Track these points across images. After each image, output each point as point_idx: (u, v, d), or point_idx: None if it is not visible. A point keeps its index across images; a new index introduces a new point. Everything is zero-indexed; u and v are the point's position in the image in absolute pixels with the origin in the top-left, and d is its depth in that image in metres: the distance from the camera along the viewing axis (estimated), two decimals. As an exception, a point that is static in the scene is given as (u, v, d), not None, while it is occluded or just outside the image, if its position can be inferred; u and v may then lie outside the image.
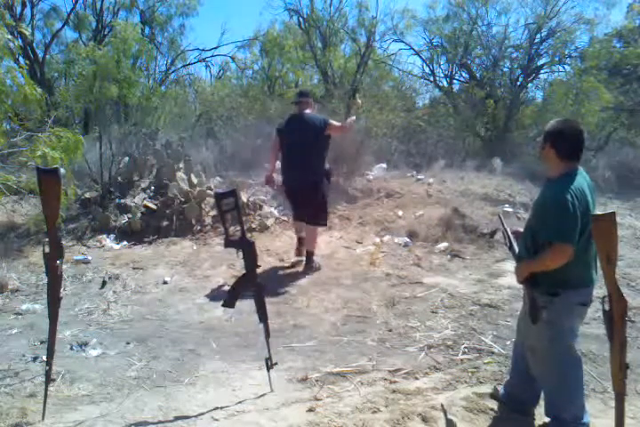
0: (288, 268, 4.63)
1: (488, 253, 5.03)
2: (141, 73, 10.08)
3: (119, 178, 6.34)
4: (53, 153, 3.97)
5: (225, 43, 18.93)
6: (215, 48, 14.35)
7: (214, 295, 4.00)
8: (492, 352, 3.00)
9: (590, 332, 3.17)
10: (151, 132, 7.54)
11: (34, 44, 10.59)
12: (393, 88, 11.93)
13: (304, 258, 4.61)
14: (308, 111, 4.40)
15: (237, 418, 2.34)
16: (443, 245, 5.11)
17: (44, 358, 2.37)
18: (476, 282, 4.28)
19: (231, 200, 2.41)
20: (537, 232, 2.09)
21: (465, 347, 3.06)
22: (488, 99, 10.52)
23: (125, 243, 5.35)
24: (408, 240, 5.24)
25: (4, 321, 3.55)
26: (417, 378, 2.71)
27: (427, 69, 12.32)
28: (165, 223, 5.56)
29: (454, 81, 12.58)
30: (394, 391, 2.55)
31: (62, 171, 2.20)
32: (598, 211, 1.89)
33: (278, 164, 4.69)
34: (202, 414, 2.37)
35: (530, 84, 11.36)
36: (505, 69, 11.41)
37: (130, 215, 5.59)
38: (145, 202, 5.78)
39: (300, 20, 12.27)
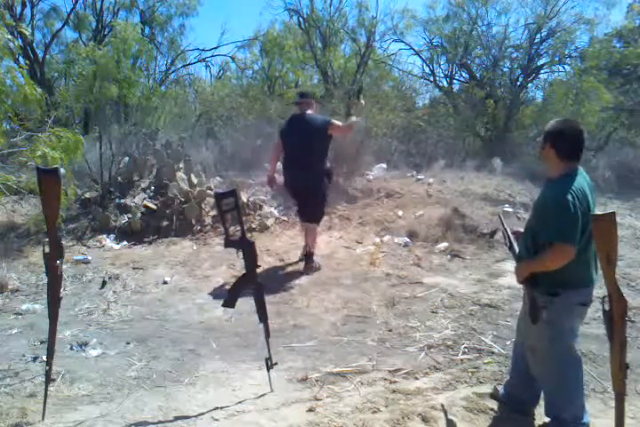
0: (288, 267, 4.63)
1: (488, 253, 5.03)
2: (141, 73, 10.07)
3: (119, 178, 6.35)
4: (53, 153, 3.97)
5: (225, 43, 18.93)
6: (215, 48, 14.37)
7: (214, 295, 4.00)
8: (492, 352, 3.00)
9: (590, 332, 3.17)
10: (151, 132, 7.54)
11: (34, 44, 10.60)
12: (393, 88, 11.94)
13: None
14: (309, 112, 4.42)
15: (237, 418, 2.34)
16: (443, 245, 5.11)
17: (44, 358, 2.37)
18: (476, 282, 4.28)
19: (231, 200, 2.41)
20: (537, 232, 2.08)
21: (465, 347, 3.06)
22: (488, 99, 10.52)
23: (125, 243, 5.35)
24: (408, 240, 5.24)
25: (3, 321, 3.55)
26: (417, 378, 2.71)
27: (427, 69, 12.34)
28: (165, 223, 5.56)
29: (454, 81, 12.59)
30: (394, 391, 2.55)
31: (62, 171, 2.20)
32: (598, 211, 1.89)
33: (279, 165, 4.73)
34: (202, 414, 2.37)
35: (530, 84, 11.37)
36: (505, 69, 11.42)
37: (130, 215, 5.59)
38: (145, 202, 5.78)
39: (300, 20, 12.27)
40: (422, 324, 3.43)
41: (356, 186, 6.74)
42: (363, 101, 4.57)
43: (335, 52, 11.98)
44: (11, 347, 3.12)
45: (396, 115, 8.98)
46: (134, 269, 4.63)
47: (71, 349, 3.10)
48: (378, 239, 5.26)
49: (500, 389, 2.47)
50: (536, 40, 10.69)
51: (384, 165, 7.76)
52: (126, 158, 6.59)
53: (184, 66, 14.33)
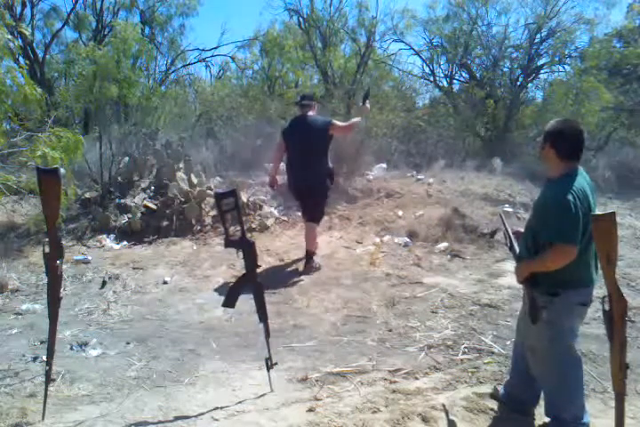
0: (288, 267, 4.63)
1: (488, 253, 5.03)
2: (141, 73, 10.06)
3: (119, 178, 6.35)
4: (53, 153, 3.97)
5: (225, 43, 18.94)
6: (215, 48, 14.37)
7: (214, 295, 4.00)
8: (492, 352, 3.00)
9: (590, 332, 3.17)
10: (151, 132, 7.54)
11: (34, 44, 10.59)
12: (393, 88, 11.93)
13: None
14: (310, 113, 4.51)
15: (237, 418, 2.34)
16: (443, 245, 5.11)
17: (44, 358, 2.37)
18: (476, 282, 4.28)
19: (231, 200, 2.41)
20: (538, 232, 2.08)
21: (465, 347, 3.06)
22: (488, 99, 10.51)
23: (125, 243, 5.35)
24: (408, 240, 5.24)
25: (4, 321, 3.55)
26: (417, 378, 2.71)
27: (427, 69, 12.32)
28: (165, 223, 5.56)
29: (454, 81, 12.58)
30: (394, 391, 2.55)
31: (62, 171, 2.20)
32: (598, 211, 1.89)
33: (281, 165, 4.81)
34: (202, 414, 2.37)
35: (530, 84, 11.35)
36: (505, 69, 11.41)
37: (130, 215, 5.59)
38: (145, 202, 5.79)
39: (300, 20, 12.26)
40: (422, 324, 3.43)
41: (356, 186, 6.74)
42: (368, 105, 4.65)
43: (335, 52, 11.97)
44: (11, 347, 3.12)
45: (396, 115, 8.97)
46: (134, 269, 4.63)
47: (71, 349, 3.10)
48: (378, 239, 5.26)
49: (500, 389, 2.47)
50: (536, 40, 10.69)
51: (384, 165, 7.76)
52: (126, 158, 6.59)
53: (184, 66, 14.34)
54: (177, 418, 2.33)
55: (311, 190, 4.51)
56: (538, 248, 2.09)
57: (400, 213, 5.97)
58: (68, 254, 4.70)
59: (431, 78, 12.29)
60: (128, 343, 3.19)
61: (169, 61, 13.91)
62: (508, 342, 3.05)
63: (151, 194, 6.04)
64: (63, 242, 2.43)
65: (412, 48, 12.19)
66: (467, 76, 12.25)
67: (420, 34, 12.14)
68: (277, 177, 4.79)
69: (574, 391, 2.14)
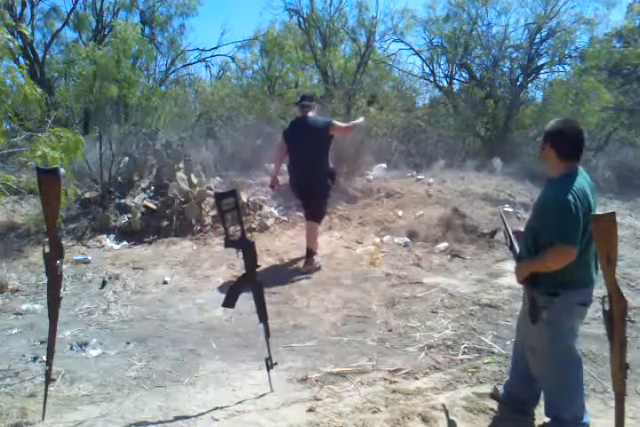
0: (288, 267, 4.63)
1: (488, 253, 5.03)
2: (141, 73, 10.06)
3: (119, 178, 6.35)
4: (53, 153, 3.97)
5: (225, 43, 18.92)
6: (215, 48, 14.37)
7: (214, 295, 4.00)
8: (492, 352, 3.00)
9: (590, 332, 3.17)
10: (151, 132, 7.54)
11: (34, 44, 10.59)
12: (393, 88, 11.94)
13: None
14: (311, 114, 4.55)
15: (237, 418, 2.34)
16: (443, 245, 5.11)
17: (44, 358, 2.37)
18: (476, 282, 4.28)
19: (231, 200, 2.41)
20: (538, 232, 2.08)
21: (465, 347, 3.06)
22: (488, 99, 10.51)
23: (125, 243, 5.35)
24: (408, 240, 5.24)
25: (3, 321, 3.55)
26: (417, 378, 2.71)
27: (427, 69, 12.32)
28: (165, 223, 5.56)
29: (454, 81, 12.57)
30: (394, 391, 2.55)
31: (62, 171, 2.20)
32: (598, 211, 1.89)
33: (283, 166, 4.86)
34: (202, 414, 2.37)
35: (530, 84, 11.35)
36: (505, 69, 11.41)
37: (130, 215, 5.59)
38: (145, 202, 5.79)
39: (300, 20, 12.26)
40: (422, 324, 3.43)
41: (356, 186, 6.74)
42: (372, 109, 4.68)
43: (335, 52, 11.97)
44: (11, 347, 3.12)
45: (396, 115, 8.97)
46: (134, 269, 4.63)
47: (71, 349, 3.10)
48: (378, 239, 5.26)
49: (500, 389, 2.47)
50: (536, 40, 10.69)
51: (384, 165, 7.76)
52: (126, 158, 6.59)
53: (184, 66, 14.33)
54: (177, 418, 2.33)
55: (312, 190, 4.56)
56: (538, 248, 2.08)
57: (400, 213, 5.97)
58: (68, 254, 4.70)
59: (431, 78, 12.30)
60: (128, 343, 3.19)
61: (169, 61, 13.92)
62: (508, 342, 3.05)
63: (151, 194, 6.04)
64: (63, 242, 2.43)
65: (412, 48, 12.20)
66: (467, 76, 12.26)
67: (419, 34, 12.16)
68: (279, 177, 4.83)
69: (574, 391, 2.14)
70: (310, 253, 4.59)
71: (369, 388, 2.60)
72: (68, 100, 7.55)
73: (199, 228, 5.53)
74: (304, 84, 13.33)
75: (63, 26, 11.74)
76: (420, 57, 12.18)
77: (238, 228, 2.47)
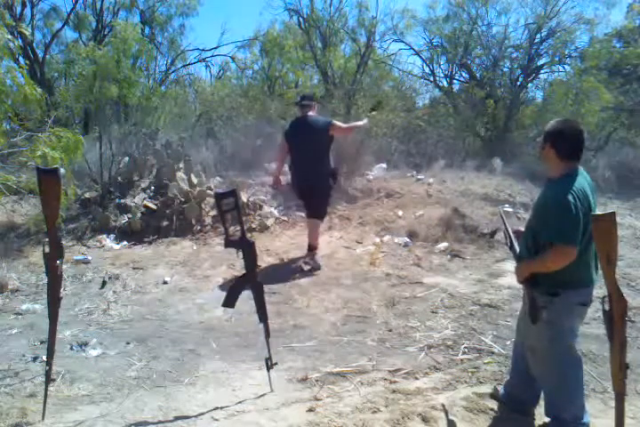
0: (288, 267, 4.63)
1: (488, 253, 5.03)
2: (141, 73, 10.06)
3: (119, 178, 6.34)
4: (53, 153, 3.97)
5: (225, 43, 18.89)
6: (215, 48, 14.36)
7: (214, 295, 4.00)
8: (492, 352, 3.00)
9: (590, 332, 3.17)
10: (151, 132, 7.54)
11: (34, 44, 10.58)
12: (393, 88, 11.93)
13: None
14: (311, 114, 4.56)
15: (237, 418, 2.34)
16: (443, 245, 5.11)
17: (44, 358, 2.37)
18: (476, 282, 4.28)
19: (231, 200, 2.41)
20: (538, 232, 2.08)
21: (465, 347, 3.06)
22: (488, 99, 10.51)
23: (125, 243, 5.35)
24: (408, 240, 5.24)
25: (4, 321, 3.55)
26: (417, 378, 2.71)
27: (427, 69, 12.31)
28: (165, 223, 5.56)
29: (454, 81, 12.57)
30: (394, 391, 2.55)
31: (62, 171, 2.20)
32: (598, 211, 1.89)
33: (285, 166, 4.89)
34: (202, 414, 2.37)
35: (530, 84, 11.35)
36: (505, 69, 11.41)
37: (130, 215, 5.59)
38: (145, 202, 5.78)
39: (300, 20, 12.25)
40: (422, 324, 3.43)
41: (356, 186, 6.75)
42: (374, 113, 4.70)
43: (335, 52, 11.96)
44: (11, 347, 3.12)
45: (396, 115, 8.97)
46: (134, 269, 4.63)
47: (71, 349, 3.10)
48: (378, 239, 5.26)
49: (500, 389, 2.47)
50: (536, 40, 10.68)
51: (384, 165, 7.76)
52: (126, 158, 6.59)
53: (184, 66, 14.33)
54: (177, 418, 2.33)
55: (314, 190, 4.58)
56: (538, 248, 2.08)
57: (400, 213, 5.97)
58: (68, 254, 4.70)
59: (431, 78, 12.30)
60: (128, 343, 3.19)
61: (169, 61, 13.91)
62: (508, 342, 3.05)
63: (151, 194, 6.04)
64: (63, 242, 2.43)
65: (412, 48, 12.20)
66: (467, 76, 12.25)
67: (419, 34, 12.15)
68: (281, 177, 4.87)
69: (574, 391, 2.14)
70: (311, 247, 4.61)
71: (369, 388, 2.60)
72: (68, 100, 7.56)
73: (199, 228, 5.53)
74: (304, 84, 13.33)
75: (63, 26, 11.74)
76: (420, 57, 12.20)
77: (238, 228, 2.47)
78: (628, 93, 10.63)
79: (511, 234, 2.31)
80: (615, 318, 1.77)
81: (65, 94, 7.73)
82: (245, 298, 2.54)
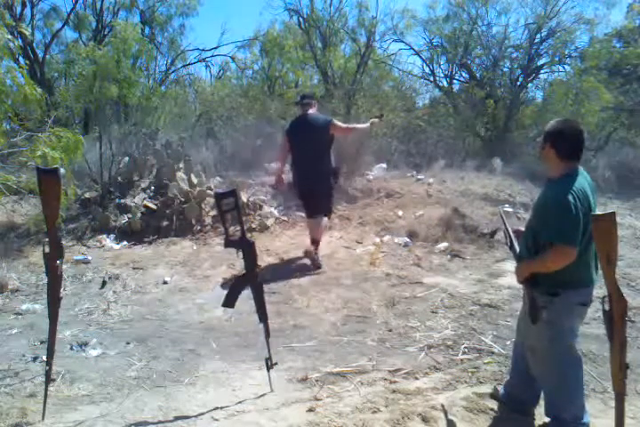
0: (288, 267, 4.63)
1: (488, 253, 5.03)
2: (141, 73, 10.06)
3: (119, 178, 6.35)
4: (53, 153, 3.97)
5: (225, 43, 18.89)
6: (215, 48, 14.36)
7: (214, 295, 4.00)
8: (492, 352, 3.00)
9: (590, 332, 3.17)
10: (151, 132, 7.54)
11: (34, 44, 10.58)
12: (393, 88, 11.92)
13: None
14: (311, 112, 4.59)
15: (237, 418, 2.34)
16: (443, 245, 5.11)
17: (44, 358, 2.37)
18: (476, 282, 4.28)
19: (231, 200, 2.41)
20: (538, 232, 2.08)
21: (465, 347, 3.06)
22: (488, 99, 10.51)
23: (125, 243, 5.35)
24: (408, 240, 5.24)
25: (4, 321, 3.55)
26: (417, 378, 2.71)
27: (427, 69, 12.31)
28: (165, 223, 5.56)
29: (454, 81, 12.57)
30: (394, 391, 2.55)
31: (62, 171, 2.21)
32: (598, 211, 1.89)
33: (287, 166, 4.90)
34: (202, 414, 2.37)
35: (530, 84, 11.35)
36: (505, 69, 11.41)
37: (130, 215, 5.59)
38: (145, 202, 5.78)
39: (300, 20, 12.25)
40: (422, 324, 3.43)
41: (356, 186, 6.75)
42: (377, 120, 4.75)
43: (335, 52, 11.96)
44: (11, 347, 3.12)
45: (396, 115, 8.98)
46: (134, 269, 4.63)
47: (71, 349, 3.10)
48: (378, 239, 5.26)
49: (500, 389, 2.47)
50: (536, 40, 10.68)
51: (384, 165, 7.76)
52: (126, 158, 6.59)
53: (184, 66, 14.32)
54: (177, 418, 2.34)
55: (315, 189, 4.58)
56: (538, 248, 2.08)
57: (400, 213, 5.97)
58: (68, 254, 4.70)
59: (431, 78, 12.30)
60: (128, 343, 3.19)
61: (169, 61, 13.91)
62: (508, 342, 3.05)
63: (151, 194, 6.04)
64: (63, 242, 2.43)
65: (412, 48, 12.20)
66: (467, 76, 12.25)
67: (419, 34, 12.15)
68: (283, 176, 4.85)
69: (574, 391, 2.14)
70: (314, 241, 4.64)
71: (369, 388, 2.60)
72: (68, 100, 7.56)
73: (199, 228, 5.53)
74: (304, 84, 13.33)
75: (63, 26, 11.74)
76: (420, 57, 12.19)
77: (238, 228, 2.47)
78: (628, 93, 10.63)
79: (511, 234, 2.31)
80: (615, 318, 1.77)
81: (65, 94, 7.74)
82: (245, 298, 2.54)
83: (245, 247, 2.43)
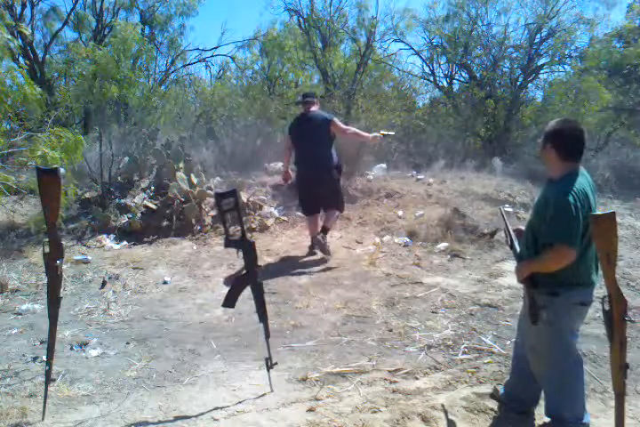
0: (288, 267, 4.63)
1: (488, 253, 5.03)
2: (141, 73, 10.04)
3: (119, 178, 6.35)
4: (53, 153, 3.98)
5: (225, 43, 18.84)
6: (215, 48, 14.33)
7: (214, 295, 4.00)
8: (492, 352, 3.00)
9: (590, 332, 3.17)
10: (151, 132, 7.54)
11: (34, 44, 10.57)
12: (393, 88, 11.92)
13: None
14: (313, 109, 4.73)
15: (237, 418, 2.34)
16: (443, 245, 5.11)
17: (44, 358, 2.37)
18: (476, 282, 4.28)
19: (231, 200, 2.41)
20: (538, 233, 2.08)
21: (465, 347, 3.06)
22: (488, 99, 10.51)
23: (125, 243, 5.35)
24: (408, 240, 5.24)
25: (3, 321, 3.55)
26: (417, 378, 2.71)
27: (427, 69, 12.29)
28: (165, 223, 5.56)
29: (454, 81, 12.56)
30: (394, 391, 2.55)
31: (62, 171, 2.21)
32: (598, 211, 1.89)
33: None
34: (202, 414, 2.37)
35: (530, 84, 11.33)
36: (505, 69, 11.39)
37: (130, 215, 5.59)
38: (145, 202, 5.78)
39: (300, 20, 12.24)
40: (422, 324, 3.43)
41: (356, 186, 6.75)
42: (383, 133, 4.82)
43: (335, 52, 11.95)
44: (11, 347, 3.12)
45: (396, 115, 8.97)
46: (134, 269, 4.63)
47: (71, 349, 3.10)
48: (378, 239, 5.26)
49: (500, 389, 2.47)
50: (536, 40, 10.68)
51: (384, 165, 7.76)
52: (126, 158, 6.59)
53: (184, 66, 14.29)
54: (177, 418, 2.34)
55: (319, 184, 4.65)
56: (538, 248, 2.08)
57: (400, 213, 5.97)
58: (68, 254, 4.70)
59: (431, 78, 12.28)
60: (128, 343, 3.19)
61: (169, 61, 13.87)
62: (508, 342, 3.05)
63: (151, 194, 6.04)
64: (63, 242, 2.43)
65: (412, 48, 12.18)
66: (467, 76, 12.23)
67: (419, 34, 12.14)
68: (290, 172, 4.96)
69: (574, 391, 2.14)
70: (324, 229, 4.73)
71: (369, 388, 2.60)
72: (68, 100, 7.57)
73: (199, 228, 5.53)
74: (304, 84, 13.32)
75: (63, 26, 11.72)
76: (420, 57, 12.18)
77: (238, 228, 2.47)
78: (628, 93, 10.62)
79: (512, 233, 2.31)
80: (615, 318, 1.77)
81: (65, 94, 7.74)
82: (245, 298, 2.54)
83: (245, 247, 2.43)
